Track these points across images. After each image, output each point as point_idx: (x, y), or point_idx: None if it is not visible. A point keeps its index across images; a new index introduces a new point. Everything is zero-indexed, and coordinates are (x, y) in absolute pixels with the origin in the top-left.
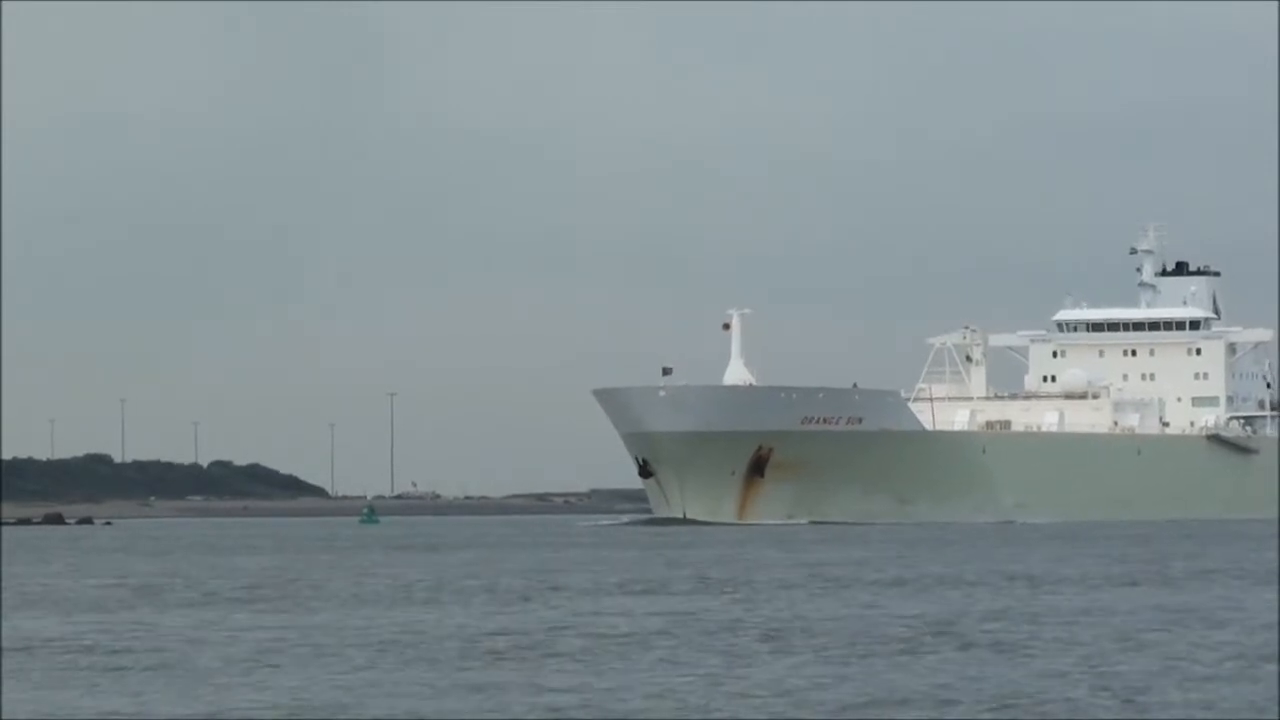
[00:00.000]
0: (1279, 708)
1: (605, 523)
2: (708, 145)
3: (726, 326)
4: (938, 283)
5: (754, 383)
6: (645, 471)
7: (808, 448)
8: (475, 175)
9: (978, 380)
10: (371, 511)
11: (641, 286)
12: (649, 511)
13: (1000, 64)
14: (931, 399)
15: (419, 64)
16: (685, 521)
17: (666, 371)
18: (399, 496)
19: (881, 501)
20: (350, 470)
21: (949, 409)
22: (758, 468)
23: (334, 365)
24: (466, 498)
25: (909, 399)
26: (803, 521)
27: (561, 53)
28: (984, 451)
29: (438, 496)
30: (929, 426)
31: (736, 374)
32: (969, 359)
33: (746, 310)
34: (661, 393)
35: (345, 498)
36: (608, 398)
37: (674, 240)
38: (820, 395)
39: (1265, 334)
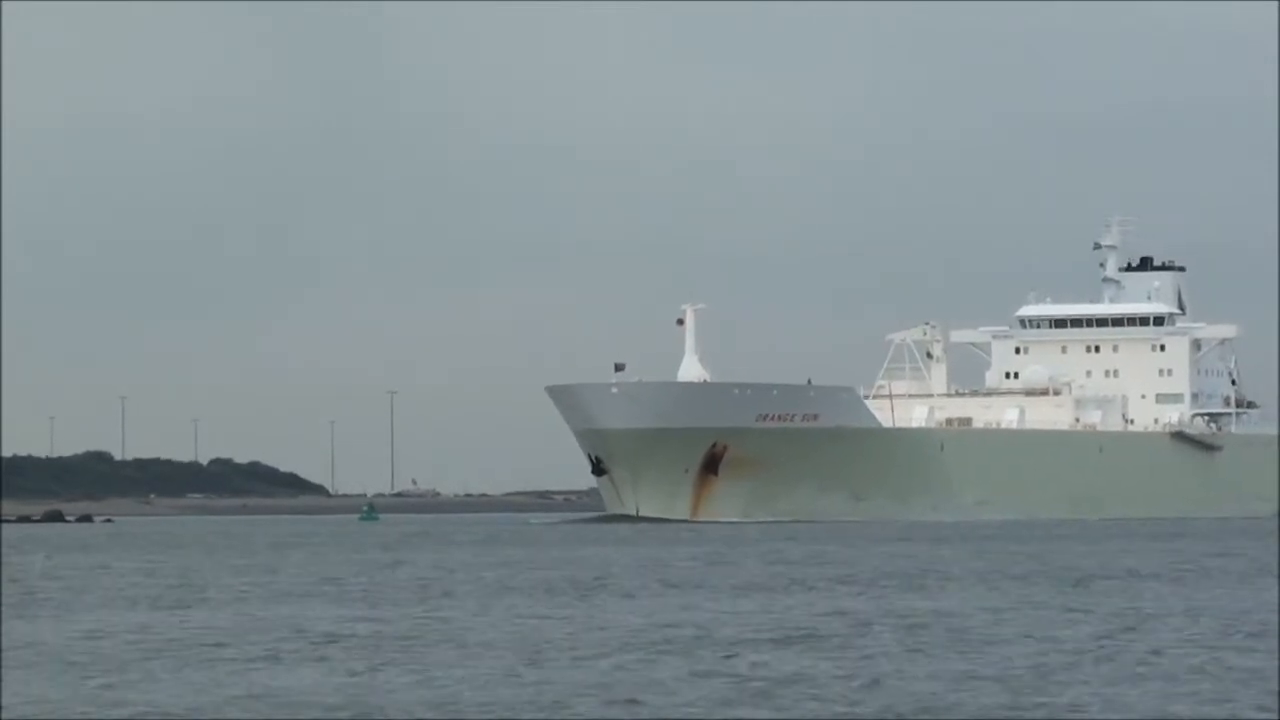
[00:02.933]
0: (1279, 707)
1: (552, 520)
2: (701, 145)
3: (681, 322)
4: (900, 279)
5: (708, 379)
6: (598, 469)
7: (762, 445)
8: (475, 175)
9: (938, 377)
10: (371, 509)
11: (644, 285)
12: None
13: (988, 64)
14: (891, 396)
15: (419, 64)
16: (638, 519)
17: (619, 368)
18: (399, 494)
19: (837, 499)
20: (350, 468)
21: (908, 406)
22: (712, 465)
23: (334, 364)
24: (467, 495)
25: (868, 396)
26: (759, 519)
27: (559, 53)
28: (942, 449)
29: (438, 494)
30: (888, 424)
31: (691, 370)
32: (929, 355)
33: (701, 305)
34: (614, 389)
35: (345, 495)
36: (560, 395)
37: (673, 238)
38: (775, 392)
39: (1230, 330)
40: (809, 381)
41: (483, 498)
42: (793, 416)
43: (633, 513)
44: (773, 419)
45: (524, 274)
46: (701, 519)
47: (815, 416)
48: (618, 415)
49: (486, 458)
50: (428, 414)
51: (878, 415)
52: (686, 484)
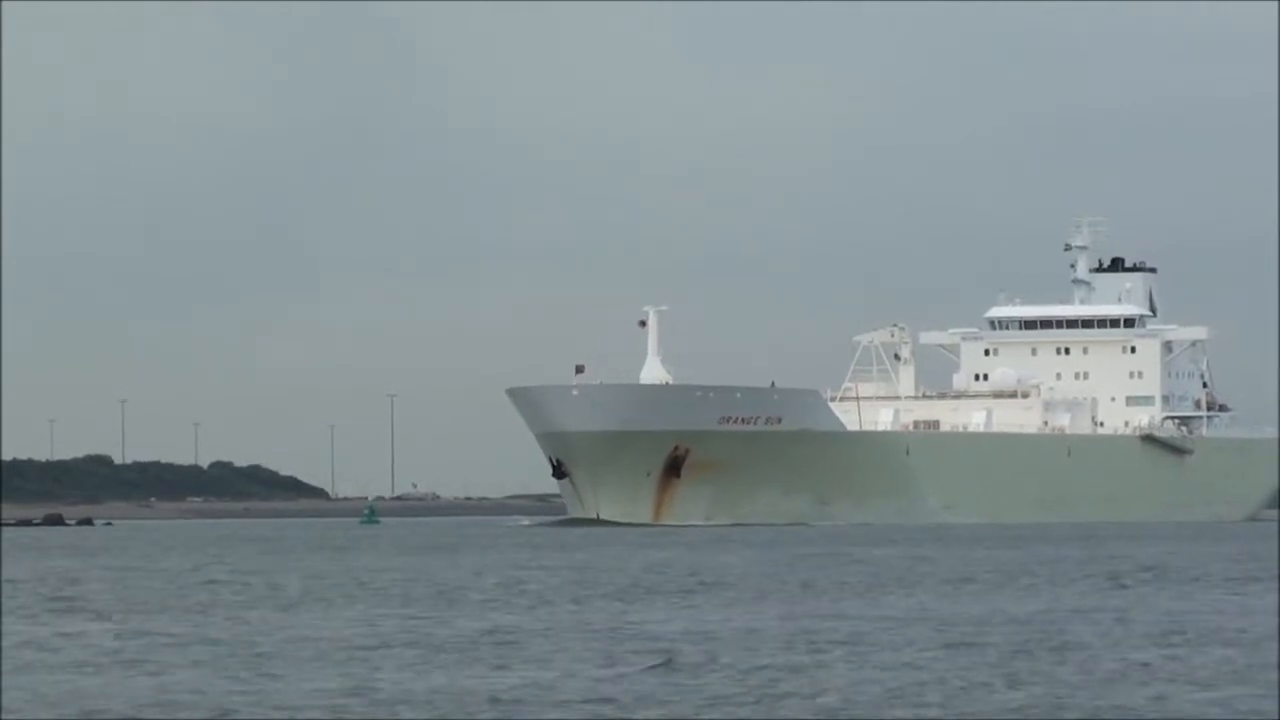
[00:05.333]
0: (1279, 708)
1: (525, 523)
2: (668, 146)
3: (643, 324)
4: (869, 280)
5: (671, 381)
6: (559, 472)
7: (725, 447)
8: (474, 175)
9: (906, 379)
10: (372, 512)
11: (644, 286)
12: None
13: (971, 65)
14: (858, 398)
15: (416, 65)
16: (599, 523)
17: (579, 369)
18: (399, 498)
19: (801, 503)
20: (350, 471)
21: (875, 408)
22: (674, 468)
23: (334, 367)
24: (467, 498)
25: (835, 398)
26: (722, 523)
27: (559, 53)
28: (908, 452)
29: (438, 497)
30: (856, 426)
31: (653, 372)
32: (897, 357)
33: (663, 307)
34: (574, 391)
35: (345, 499)
36: (520, 397)
37: (673, 240)
38: (738, 394)
39: (1201, 332)
40: (772, 384)
41: (483, 501)
42: (756, 419)
43: (594, 516)
44: (736, 421)
45: (523, 275)
46: (664, 522)
47: (779, 419)
48: (578, 418)
49: (487, 461)
50: (428, 417)
51: (844, 418)
52: (648, 487)
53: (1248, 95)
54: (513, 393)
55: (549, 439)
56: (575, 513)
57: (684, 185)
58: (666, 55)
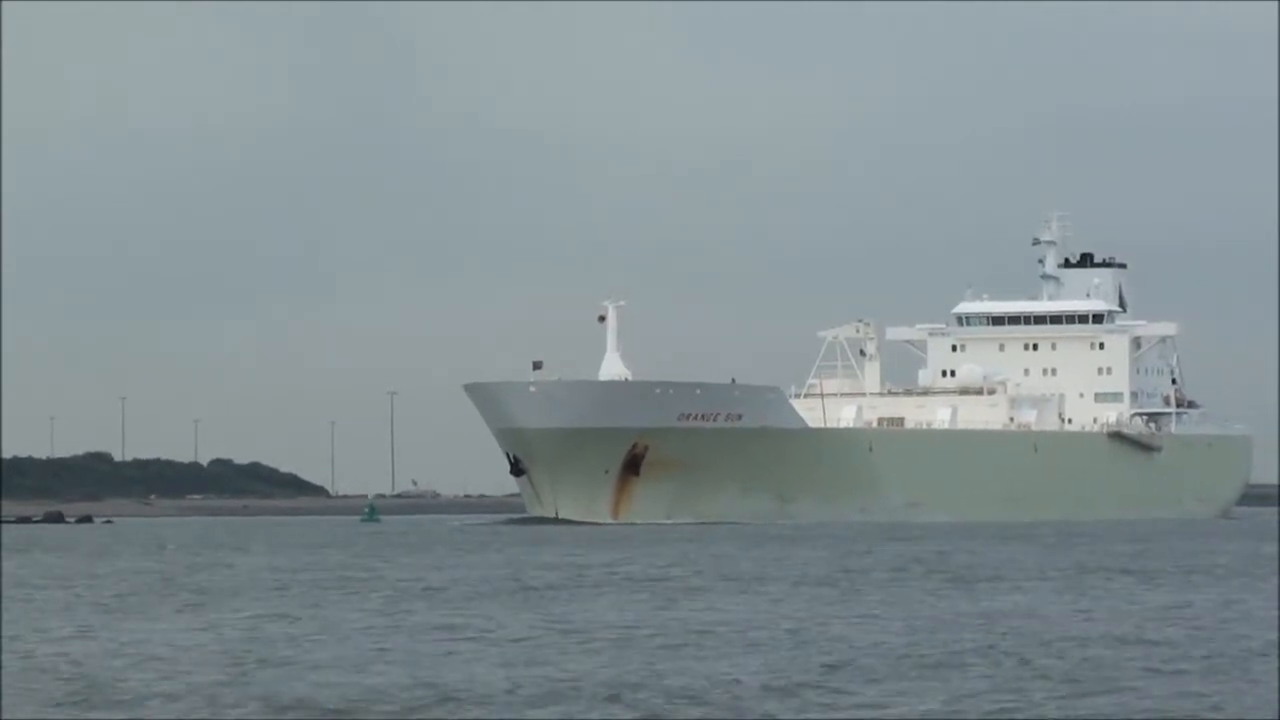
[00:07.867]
0: (1278, 707)
1: (473, 522)
2: (638, 143)
3: (602, 319)
4: (835, 276)
5: (630, 377)
6: (517, 469)
7: (685, 445)
8: (471, 173)
9: (872, 376)
10: (373, 510)
11: (649, 286)
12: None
13: (974, 62)
14: (822, 395)
15: (420, 65)
16: (558, 521)
17: (537, 366)
18: (399, 495)
19: (762, 501)
20: (351, 469)
21: (839, 405)
22: (633, 465)
23: (334, 364)
24: (466, 496)
25: (800, 395)
26: (681, 521)
27: (559, 53)
28: (870, 449)
29: (438, 495)
30: (820, 423)
31: (612, 368)
32: (863, 353)
33: (622, 302)
34: (532, 388)
35: (345, 496)
36: (478, 393)
37: (675, 241)
38: (698, 391)
39: (1170, 328)
40: (733, 380)
41: (482, 498)
42: (716, 416)
43: (552, 515)
44: (695, 419)
45: (525, 274)
46: (623, 521)
47: (739, 416)
48: (536, 414)
49: (487, 458)
50: (428, 414)
51: (808, 415)
52: (607, 485)
53: (1248, 95)
54: (470, 389)
55: (507, 435)
56: (534, 510)
57: (684, 185)
58: (666, 55)
